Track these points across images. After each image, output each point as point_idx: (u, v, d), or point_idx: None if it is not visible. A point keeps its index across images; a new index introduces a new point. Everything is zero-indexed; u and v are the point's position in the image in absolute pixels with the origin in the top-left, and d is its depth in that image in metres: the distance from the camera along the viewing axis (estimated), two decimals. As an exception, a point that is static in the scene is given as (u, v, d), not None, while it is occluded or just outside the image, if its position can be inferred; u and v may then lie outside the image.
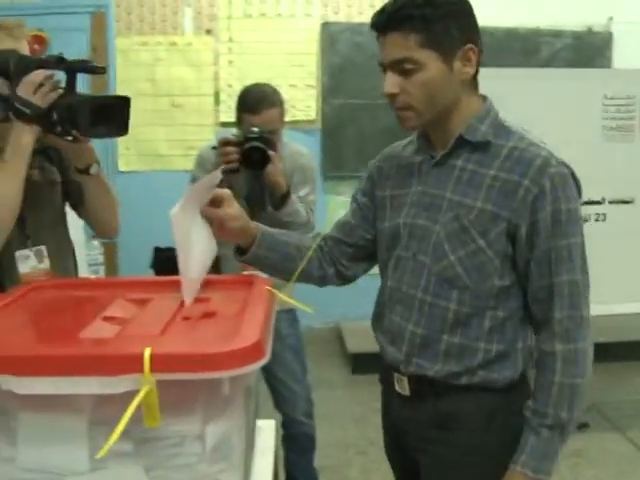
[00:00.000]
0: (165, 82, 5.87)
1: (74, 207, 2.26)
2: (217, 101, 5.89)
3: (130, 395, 1.15)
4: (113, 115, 1.94)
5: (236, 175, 2.90)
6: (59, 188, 2.20)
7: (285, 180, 2.92)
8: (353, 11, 5.88)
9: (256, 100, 2.97)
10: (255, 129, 2.86)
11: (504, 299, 1.72)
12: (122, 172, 5.89)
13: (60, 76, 1.92)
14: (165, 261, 3.38)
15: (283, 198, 2.90)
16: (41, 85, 1.88)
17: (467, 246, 1.69)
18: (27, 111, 1.88)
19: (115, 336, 1.33)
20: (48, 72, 1.90)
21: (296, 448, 3.32)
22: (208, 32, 5.87)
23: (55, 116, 1.87)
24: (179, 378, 1.16)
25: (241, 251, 1.90)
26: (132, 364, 1.15)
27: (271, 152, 2.82)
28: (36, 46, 5.60)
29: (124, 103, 1.98)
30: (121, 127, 1.97)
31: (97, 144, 2.06)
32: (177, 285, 1.64)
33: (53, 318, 1.55)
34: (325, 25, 5.86)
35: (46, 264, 2.10)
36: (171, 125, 5.91)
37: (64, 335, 1.36)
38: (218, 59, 5.87)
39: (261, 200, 2.99)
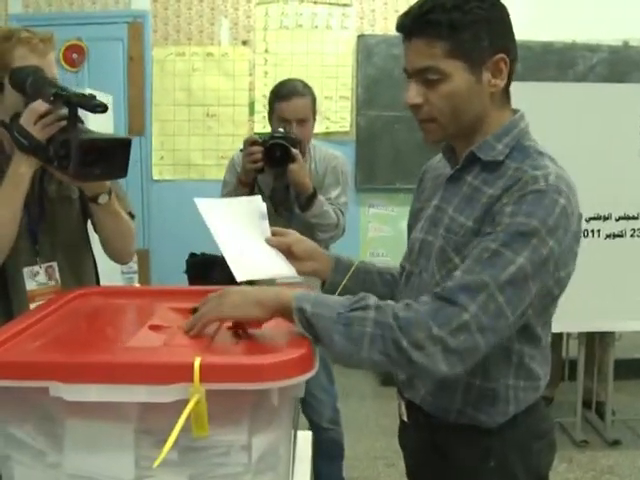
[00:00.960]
0: (200, 92, 5.92)
1: (92, 225, 2.19)
2: (252, 111, 5.92)
3: (177, 404, 1.16)
4: (112, 156, 1.85)
5: (263, 176, 2.94)
6: (77, 204, 2.16)
7: (311, 181, 2.94)
8: (389, 24, 5.88)
9: (287, 89, 3.06)
10: (281, 130, 2.90)
11: None
12: (156, 181, 5.94)
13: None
14: (199, 267, 3.40)
15: (309, 199, 2.92)
16: (43, 116, 1.84)
17: (446, 265, 1.56)
18: (25, 142, 1.85)
19: (162, 345, 1.34)
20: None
21: (324, 456, 3.31)
22: (244, 43, 5.91)
23: (52, 150, 1.83)
24: (229, 388, 1.16)
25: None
26: (182, 373, 1.15)
27: (295, 151, 2.84)
28: (75, 55, 5.68)
29: (125, 145, 1.89)
30: (119, 170, 1.89)
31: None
32: None
33: (100, 325, 1.57)
34: (361, 37, 5.88)
35: (56, 281, 2.08)
36: (205, 135, 5.94)
37: (112, 342, 1.38)
38: (254, 70, 5.90)
39: (285, 200, 3.01)
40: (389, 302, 1.42)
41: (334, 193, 3.12)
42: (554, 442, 1.74)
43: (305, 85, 3.13)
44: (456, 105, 1.53)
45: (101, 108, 1.79)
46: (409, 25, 1.53)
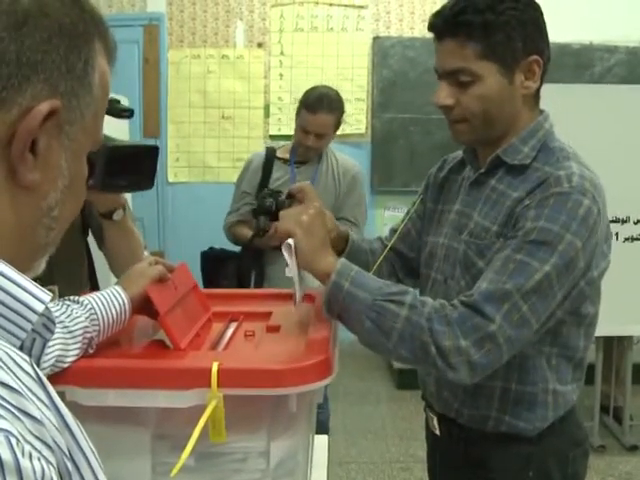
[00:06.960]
0: (216, 94, 5.92)
1: (96, 240, 2.03)
2: (267, 114, 5.91)
3: (195, 410, 1.15)
4: (139, 166, 1.69)
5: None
6: (78, 221, 1.97)
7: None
8: (404, 26, 5.87)
9: (317, 99, 3.06)
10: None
11: None
12: (171, 183, 5.94)
13: None
14: (213, 260, 3.42)
15: None
16: None
17: (470, 270, 1.54)
18: None
19: (179, 350, 1.32)
20: None
21: None
22: (259, 45, 5.91)
23: None
24: (246, 394, 1.16)
25: None
26: (199, 378, 1.14)
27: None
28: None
29: (152, 153, 1.74)
30: (146, 180, 1.73)
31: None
32: (233, 299, 1.65)
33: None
34: (376, 39, 5.86)
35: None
36: (221, 137, 5.94)
37: (128, 347, 1.36)
38: (269, 72, 5.90)
39: None
40: (427, 301, 1.40)
41: (359, 214, 3.23)
42: (588, 450, 1.71)
43: (337, 98, 3.13)
44: (488, 107, 1.51)
45: (127, 113, 1.73)
46: (441, 26, 1.50)
